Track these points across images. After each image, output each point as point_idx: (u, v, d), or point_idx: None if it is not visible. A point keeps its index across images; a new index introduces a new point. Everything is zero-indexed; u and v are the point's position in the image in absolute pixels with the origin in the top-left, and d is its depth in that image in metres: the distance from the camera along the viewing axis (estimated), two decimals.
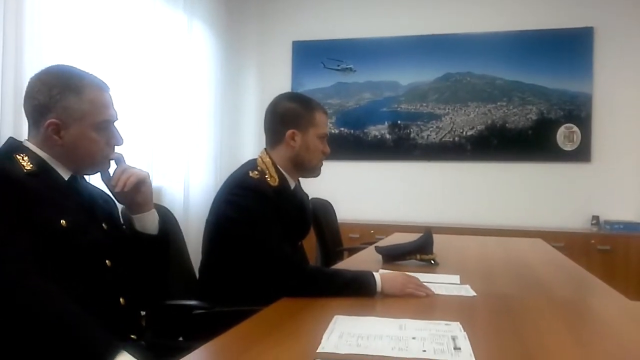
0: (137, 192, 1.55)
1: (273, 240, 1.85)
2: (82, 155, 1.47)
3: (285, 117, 2.06)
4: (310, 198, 2.38)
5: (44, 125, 1.42)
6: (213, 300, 1.90)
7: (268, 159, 2.04)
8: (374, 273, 1.79)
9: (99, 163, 1.52)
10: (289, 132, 2.03)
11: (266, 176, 1.98)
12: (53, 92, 1.42)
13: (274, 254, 1.83)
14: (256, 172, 1.98)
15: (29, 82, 1.48)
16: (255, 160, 2.06)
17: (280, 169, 2.04)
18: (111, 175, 1.56)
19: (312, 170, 2.12)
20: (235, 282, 1.91)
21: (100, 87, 1.50)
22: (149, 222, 1.60)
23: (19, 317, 1.22)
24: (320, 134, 2.07)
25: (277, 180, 2.01)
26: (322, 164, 2.12)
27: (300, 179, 2.21)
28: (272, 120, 2.09)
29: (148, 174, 1.60)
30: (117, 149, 1.56)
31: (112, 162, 1.56)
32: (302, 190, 2.27)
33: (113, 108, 1.53)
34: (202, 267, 2.10)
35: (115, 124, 1.54)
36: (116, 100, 1.56)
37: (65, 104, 1.43)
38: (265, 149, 2.10)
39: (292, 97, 2.18)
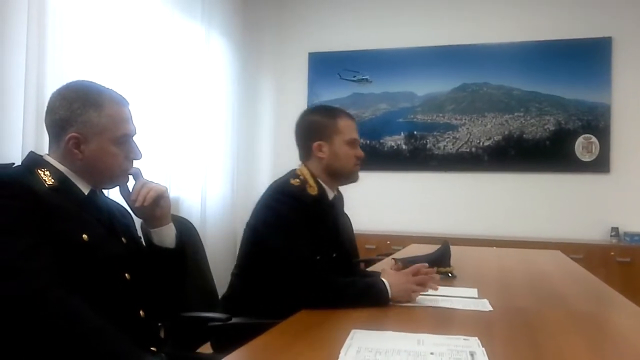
0: (156, 206, 1.57)
1: (302, 249, 1.87)
2: (102, 169, 1.50)
3: (309, 130, 2.11)
4: None
5: (64, 139, 1.45)
6: (236, 307, 1.93)
7: (306, 170, 2.09)
8: (383, 279, 1.81)
9: (118, 177, 1.54)
10: (315, 144, 2.07)
11: (307, 185, 2.03)
12: (74, 106, 1.45)
13: (300, 263, 1.85)
14: (297, 180, 2.03)
15: (51, 97, 1.51)
16: (296, 170, 2.11)
17: (319, 179, 2.08)
18: (130, 189, 1.58)
19: (349, 176, 2.14)
20: (261, 287, 1.94)
21: (119, 102, 1.53)
22: (167, 236, 1.61)
23: (46, 330, 1.23)
24: (347, 140, 2.09)
25: (317, 189, 2.04)
26: (358, 168, 2.14)
27: (339, 187, 2.23)
28: (299, 136, 2.15)
29: (166, 188, 1.62)
30: (136, 163, 1.59)
31: (130, 177, 1.58)
32: (342, 201, 2.29)
33: (132, 122, 1.55)
34: (235, 270, 2.13)
35: (134, 137, 1.56)
36: (135, 112, 1.58)
37: (86, 118, 1.45)
38: (302, 162, 2.14)
39: (315, 109, 2.26)
